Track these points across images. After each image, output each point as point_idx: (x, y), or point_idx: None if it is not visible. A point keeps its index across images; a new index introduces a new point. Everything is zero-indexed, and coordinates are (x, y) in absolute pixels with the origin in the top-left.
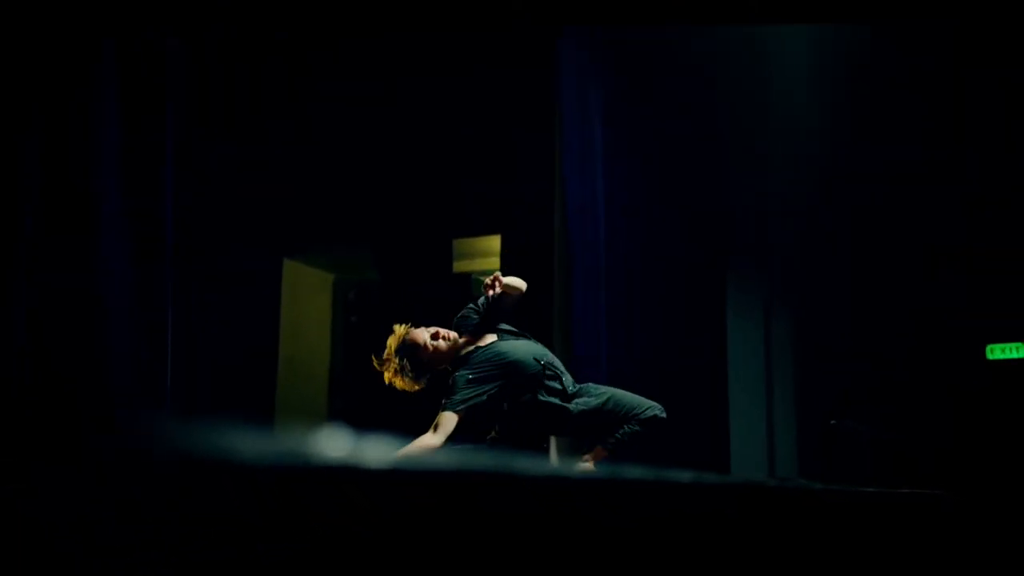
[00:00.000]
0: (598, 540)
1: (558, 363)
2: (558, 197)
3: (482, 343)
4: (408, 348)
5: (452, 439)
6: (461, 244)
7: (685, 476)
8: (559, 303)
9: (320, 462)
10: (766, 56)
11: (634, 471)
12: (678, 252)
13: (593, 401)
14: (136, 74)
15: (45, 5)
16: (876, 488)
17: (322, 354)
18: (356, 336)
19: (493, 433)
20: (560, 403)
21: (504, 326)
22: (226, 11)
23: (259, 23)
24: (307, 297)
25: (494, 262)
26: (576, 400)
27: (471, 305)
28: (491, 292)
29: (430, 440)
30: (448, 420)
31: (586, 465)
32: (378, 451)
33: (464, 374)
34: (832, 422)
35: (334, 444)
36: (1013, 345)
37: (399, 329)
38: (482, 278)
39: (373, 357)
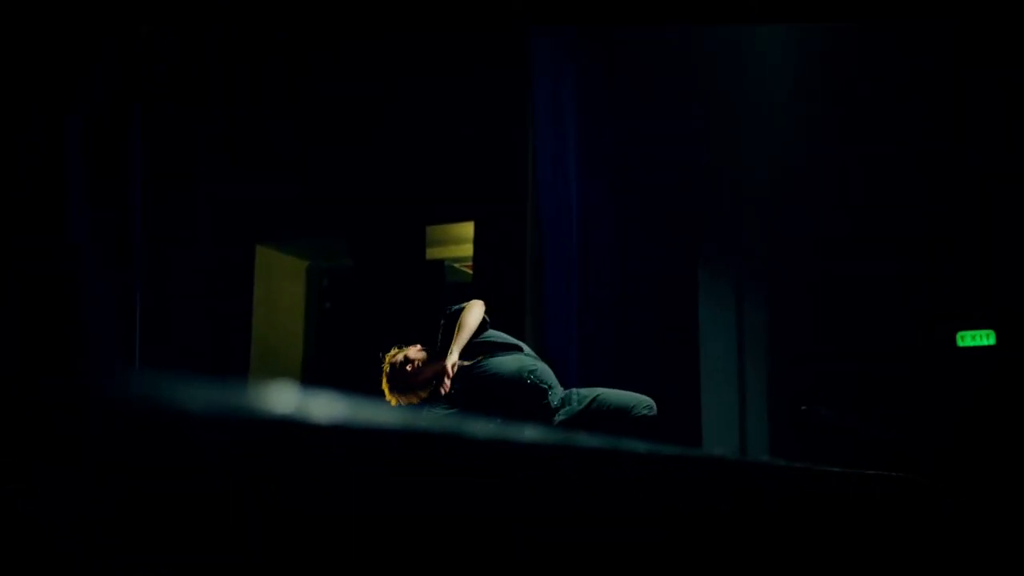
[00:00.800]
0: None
1: (548, 376)
2: (531, 187)
3: (467, 362)
4: (398, 377)
5: None
6: (434, 231)
7: (641, 447)
8: (531, 291)
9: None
10: (742, 56)
11: (589, 440)
12: (651, 241)
13: (576, 407)
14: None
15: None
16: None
17: (296, 340)
18: (330, 322)
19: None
20: (541, 418)
21: (493, 338)
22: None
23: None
24: (280, 284)
25: (467, 249)
26: (558, 413)
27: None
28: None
29: None
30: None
31: None
32: (325, 407)
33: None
34: (803, 408)
35: (283, 399)
36: (983, 332)
37: (386, 359)
38: (456, 265)
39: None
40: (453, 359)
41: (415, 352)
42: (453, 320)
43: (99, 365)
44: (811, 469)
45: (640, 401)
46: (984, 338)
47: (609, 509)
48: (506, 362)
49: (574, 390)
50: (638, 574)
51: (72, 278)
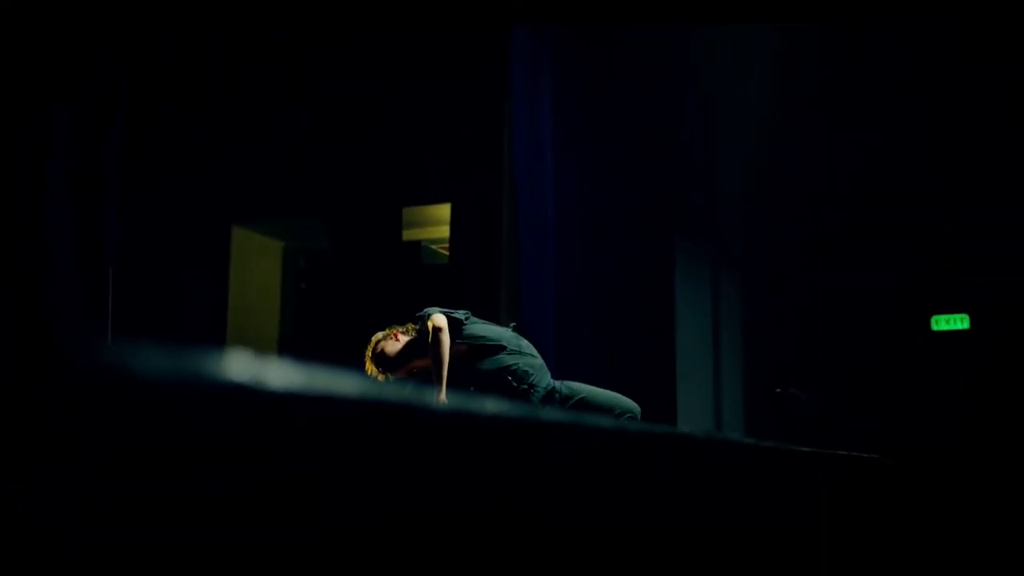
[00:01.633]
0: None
1: (530, 369)
2: (507, 170)
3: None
4: (381, 359)
5: None
6: (411, 212)
7: (606, 422)
8: (507, 273)
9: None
10: (720, 55)
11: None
12: (627, 226)
13: (557, 407)
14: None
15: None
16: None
17: (272, 322)
18: (306, 303)
19: None
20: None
21: (475, 333)
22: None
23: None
24: (256, 264)
25: (443, 231)
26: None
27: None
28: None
29: None
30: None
31: None
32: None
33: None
34: (777, 390)
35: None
36: (957, 316)
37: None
38: (433, 247)
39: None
40: (442, 397)
41: (403, 337)
42: (425, 329)
43: (70, 339)
44: (779, 448)
45: (623, 404)
46: (958, 322)
47: (578, 488)
48: (487, 375)
49: (559, 384)
50: (609, 555)
51: (43, 260)
